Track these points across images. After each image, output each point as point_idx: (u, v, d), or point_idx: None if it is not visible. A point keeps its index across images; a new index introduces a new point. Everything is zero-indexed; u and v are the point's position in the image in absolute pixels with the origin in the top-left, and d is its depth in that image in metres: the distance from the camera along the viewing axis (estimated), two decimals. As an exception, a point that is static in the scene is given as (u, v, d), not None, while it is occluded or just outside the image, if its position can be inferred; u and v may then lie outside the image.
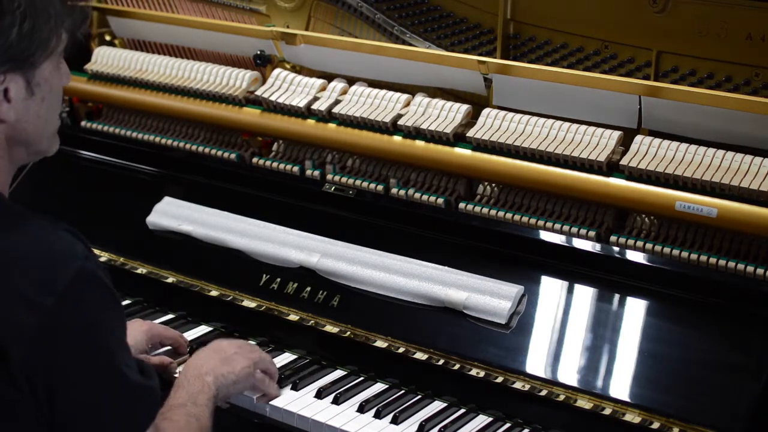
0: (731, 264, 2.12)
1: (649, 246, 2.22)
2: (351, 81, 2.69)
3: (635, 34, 2.37)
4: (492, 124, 2.43)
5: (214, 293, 2.53)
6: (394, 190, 2.53)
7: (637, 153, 2.25)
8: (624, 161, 2.24)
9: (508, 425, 2.10)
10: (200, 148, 2.85)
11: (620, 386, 2.05)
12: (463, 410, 2.15)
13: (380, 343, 2.28)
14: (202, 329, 2.48)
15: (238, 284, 2.50)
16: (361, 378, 2.25)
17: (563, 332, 2.16)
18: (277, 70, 2.76)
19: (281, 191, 2.62)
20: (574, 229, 2.30)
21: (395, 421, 2.09)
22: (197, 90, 2.84)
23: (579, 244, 2.25)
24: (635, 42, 2.38)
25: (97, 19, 3.17)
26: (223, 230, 2.56)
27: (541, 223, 2.34)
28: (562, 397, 2.08)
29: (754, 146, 2.19)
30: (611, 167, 2.29)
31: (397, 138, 2.53)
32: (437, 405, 2.17)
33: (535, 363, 2.13)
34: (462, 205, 2.44)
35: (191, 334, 2.44)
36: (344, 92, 2.64)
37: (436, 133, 2.47)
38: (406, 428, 2.08)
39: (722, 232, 2.18)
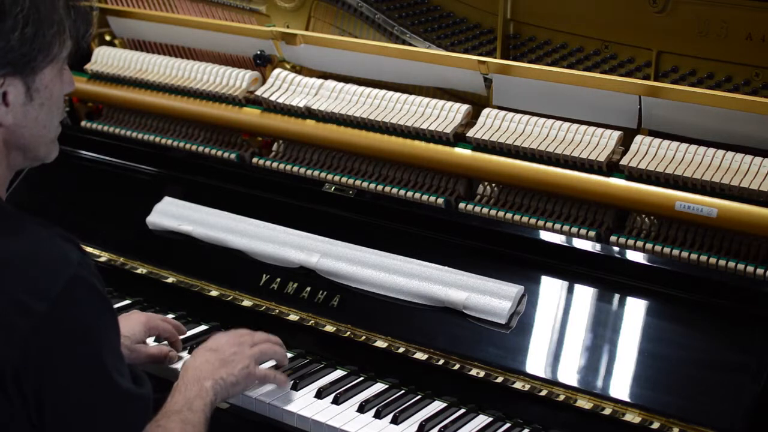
0: (731, 264, 2.13)
1: (649, 246, 2.22)
2: (352, 81, 2.69)
3: (635, 34, 2.37)
4: (492, 124, 2.43)
5: (214, 293, 2.53)
6: (394, 190, 2.53)
7: (637, 153, 2.25)
8: (624, 161, 2.24)
9: (508, 425, 2.10)
10: (200, 148, 2.85)
11: (620, 386, 2.05)
12: (463, 410, 2.15)
13: (380, 343, 2.28)
14: (202, 329, 2.48)
15: (238, 284, 2.50)
16: (361, 378, 2.25)
17: (563, 332, 2.16)
18: (277, 70, 2.77)
19: (281, 191, 2.62)
20: (574, 229, 2.30)
21: (395, 421, 2.09)
22: (197, 90, 2.84)
23: (579, 244, 2.25)
24: (635, 42, 2.38)
25: (97, 19, 3.17)
26: (223, 230, 2.56)
27: (541, 223, 2.34)
28: (562, 397, 2.08)
29: (754, 146, 2.19)
30: (611, 167, 2.29)
31: (397, 138, 2.53)
32: (437, 405, 2.17)
33: (535, 363, 2.13)
34: (462, 205, 2.45)
35: (191, 334, 2.43)
36: (345, 92, 2.64)
37: (436, 133, 2.47)
38: (406, 428, 2.08)
39: (722, 232, 2.18)
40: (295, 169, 2.68)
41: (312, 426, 2.10)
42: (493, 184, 2.45)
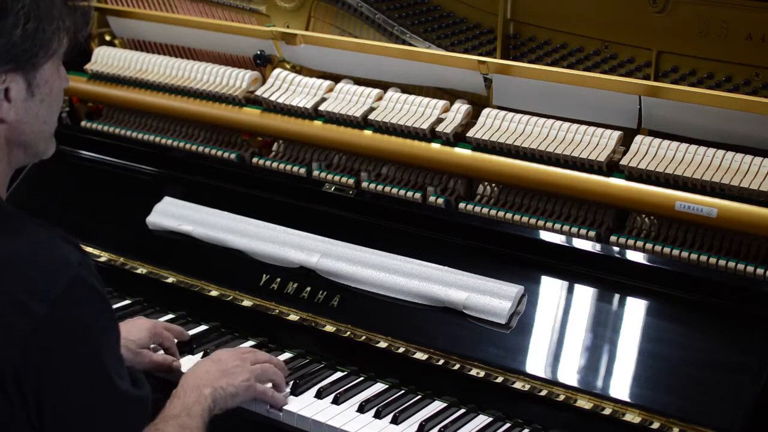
0: (731, 264, 2.12)
1: (649, 246, 2.22)
2: (354, 81, 2.70)
3: (635, 34, 2.37)
4: (492, 124, 2.43)
5: (214, 293, 2.53)
6: (393, 190, 2.53)
7: (637, 153, 2.25)
8: (624, 161, 2.24)
9: (508, 425, 2.10)
10: (200, 148, 2.85)
11: (620, 386, 2.05)
12: (463, 410, 2.15)
13: (380, 343, 2.28)
14: (202, 329, 2.48)
15: (238, 284, 2.50)
16: (361, 378, 2.25)
17: (563, 332, 2.16)
18: (277, 70, 2.76)
19: (281, 191, 2.62)
20: (574, 229, 2.30)
21: (395, 421, 2.09)
22: (197, 90, 2.84)
23: (579, 244, 2.25)
24: (635, 42, 2.38)
25: (97, 19, 3.17)
26: (223, 230, 2.56)
27: (541, 223, 2.34)
28: (562, 397, 2.08)
29: (754, 146, 2.19)
30: (611, 167, 2.29)
31: (398, 138, 2.53)
32: (437, 405, 2.17)
33: (535, 363, 2.13)
34: (462, 205, 2.44)
35: (191, 334, 2.43)
36: (346, 93, 2.64)
37: (436, 133, 2.47)
38: (406, 428, 2.08)
39: (722, 232, 2.18)
40: (295, 169, 2.68)
41: (312, 426, 2.10)
42: (493, 184, 2.45)
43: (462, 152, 2.45)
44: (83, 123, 3.10)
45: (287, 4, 2.90)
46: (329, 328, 2.35)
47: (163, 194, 2.71)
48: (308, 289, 2.40)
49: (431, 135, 2.49)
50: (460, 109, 2.49)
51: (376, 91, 2.60)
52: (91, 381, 1.64)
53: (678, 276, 2.13)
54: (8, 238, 1.63)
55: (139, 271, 2.66)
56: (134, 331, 2.21)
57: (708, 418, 1.95)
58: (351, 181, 2.58)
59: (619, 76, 2.37)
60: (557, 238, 2.28)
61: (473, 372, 2.17)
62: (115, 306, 2.51)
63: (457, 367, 2.20)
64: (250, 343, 2.40)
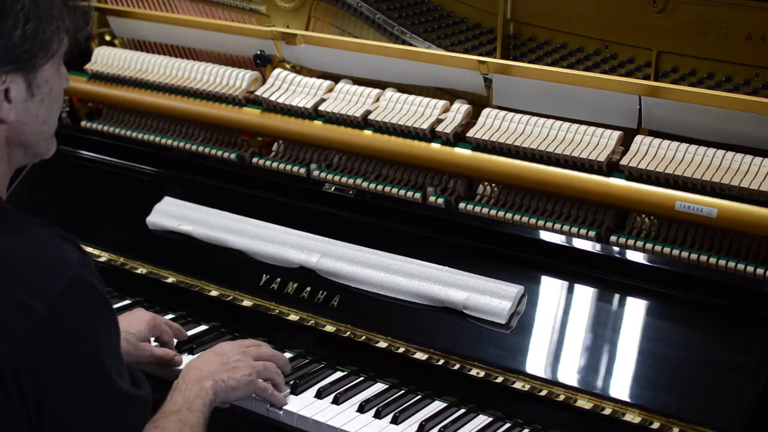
0: (731, 264, 2.12)
1: (649, 246, 2.22)
2: (354, 81, 2.70)
3: (635, 34, 2.37)
4: (492, 124, 2.43)
5: (214, 293, 2.53)
6: (394, 190, 2.53)
7: (637, 153, 2.25)
8: (624, 161, 2.24)
9: (508, 425, 2.10)
10: (200, 148, 2.85)
11: (620, 386, 2.05)
12: (463, 410, 2.15)
13: (380, 343, 2.28)
14: (202, 329, 2.48)
15: (238, 284, 2.50)
16: (361, 378, 2.25)
17: (563, 332, 2.16)
18: (277, 70, 2.77)
19: (281, 191, 2.62)
20: (574, 229, 2.30)
21: (395, 421, 2.09)
22: (197, 90, 2.84)
23: (579, 244, 2.25)
24: (635, 42, 2.38)
25: (97, 19, 3.17)
26: (223, 230, 2.56)
27: (541, 223, 2.34)
28: (562, 397, 2.08)
29: (754, 146, 2.19)
30: (611, 167, 2.29)
31: (398, 138, 2.53)
32: (437, 405, 2.16)
33: (535, 363, 2.13)
34: (462, 205, 2.45)
35: (191, 334, 2.43)
36: (346, 93, 2.64)
37: (436, 133, 2.47)
38: (406, 428, 2.07)
39: (722, 232, 2.18)
40: (295, 169, 2.68)
41: (312, 426, 2.10)
42: (493, 184, 2.45)
43: (462, 152, 2.45)
44: (83, 123, 3.10)
45: (287, 4, 2.90)
46: (329, 328, 2.35)
47: (163, 194, 2.71)
48: (308, 289, 2.40)
49: (431, 135, 2.49)
50: (460, 109, 2.49)
51: (376, 91, 2.60)
52: (91, 381, 1.64)
53: (678, 276, 2.13)
54: (8, 238, 1.63)
55: (139, 271, 2.66)
56: (134, 323, 2.20)
57: (708, 418, 1.95)
58: (351, 181, 2.58)
59: (619, 76, 2.37)
60: (557, 238, 2.28)
61: (473, 372, 2.17)
62: (115, 306, 2.50)
63: (457, 367, 2.20)
64: (260, 347, 2.39)
